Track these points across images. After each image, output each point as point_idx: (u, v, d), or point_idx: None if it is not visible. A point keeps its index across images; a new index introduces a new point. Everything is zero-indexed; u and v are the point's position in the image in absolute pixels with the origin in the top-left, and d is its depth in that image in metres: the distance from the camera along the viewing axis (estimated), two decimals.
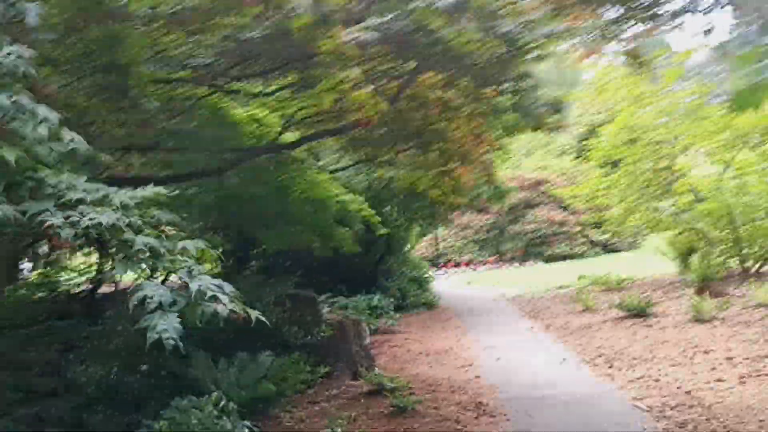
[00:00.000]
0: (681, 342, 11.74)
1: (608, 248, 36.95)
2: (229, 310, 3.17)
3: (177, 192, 11.03)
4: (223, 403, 7.75)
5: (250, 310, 3.25)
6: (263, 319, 3.24)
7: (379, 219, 14.02)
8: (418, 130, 10.46)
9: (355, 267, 18.03)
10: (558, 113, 9.55)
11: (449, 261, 35.28)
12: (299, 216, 10.91)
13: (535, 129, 10.62)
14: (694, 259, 16.68)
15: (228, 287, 3.25)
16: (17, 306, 11.02)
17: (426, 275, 21.43)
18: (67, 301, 12.58)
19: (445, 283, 28.00)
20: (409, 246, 22.64)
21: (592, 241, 37.23)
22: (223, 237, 15.97)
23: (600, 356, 11.56)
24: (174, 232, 3.15)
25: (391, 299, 16.65)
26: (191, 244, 3.19)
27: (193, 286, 3.02)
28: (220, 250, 19.60)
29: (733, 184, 19.14)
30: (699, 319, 13.09)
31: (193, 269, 3.13)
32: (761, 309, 13.53)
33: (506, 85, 8.62)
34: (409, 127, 10.50)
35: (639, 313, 14.54)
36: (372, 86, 9.17)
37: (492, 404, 8.96)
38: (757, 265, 19.18)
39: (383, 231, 14.26)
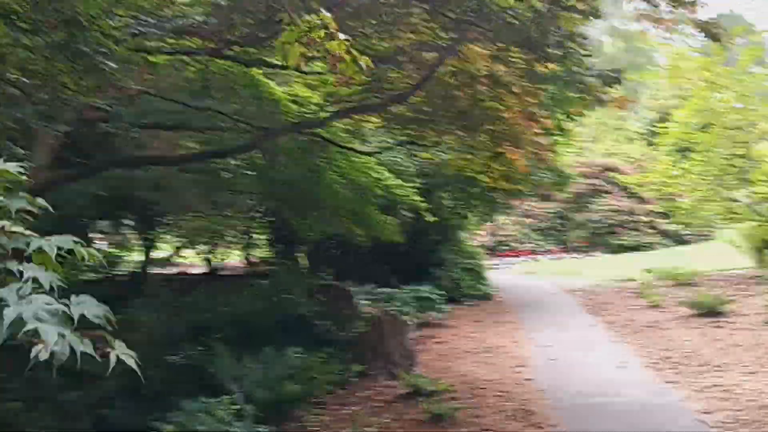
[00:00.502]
0: (756, 346, 10.61)
1: (678, 239, 35.31)
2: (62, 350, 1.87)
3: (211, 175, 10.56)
4: (238, 405, 7.07)
5: (117, 347, 2.11)
6: (132, 362, 2.14)
7: (428, 206, 13.17)
8: (466, 109, 9.57)
9: (406, 256, 17.21)
10: (614, 85, 8.46)
11: (510, 250, 34.13)
12: (335, 201, 10.10)
13: (585, 102, 9.50)
14: None
15: (92, 307, 2.07)
16: None
17: (482, 265, 20.36)
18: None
19: (503, 274, 26.97)
20: (465, 234, 21.65)
21: (661, 232, 35.60)
22: (267, 223, 15.38)
23: (665, 359, 10.52)
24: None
25: (442, 290, 15.76)
26: (38, 243, 1.98)
27: (8, 312, 1.72)
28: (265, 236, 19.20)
29: None
30: None
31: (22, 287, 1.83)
32: None
33: (553, 49, 7.63)
34: (455, 105, 9.63)
35: (710, 311, 13.39)
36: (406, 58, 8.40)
37: (541, 413, 8.06)
38: None
39: (432, 219, 13.40)
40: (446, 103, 9.61)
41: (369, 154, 11.03)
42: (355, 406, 8.44)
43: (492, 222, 31.00)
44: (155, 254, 17.79)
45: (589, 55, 8.64)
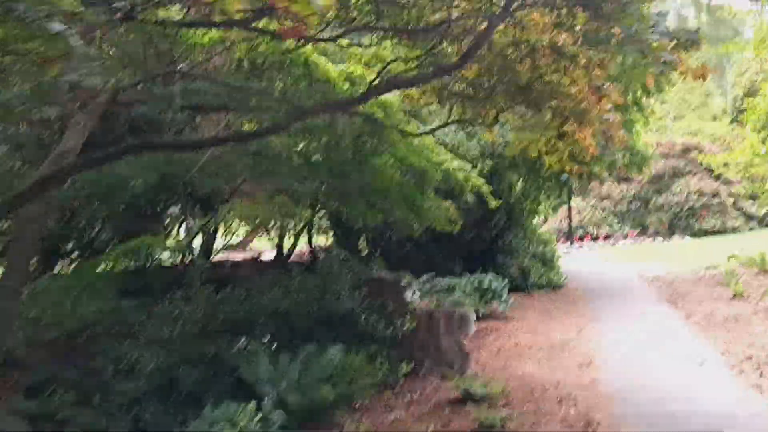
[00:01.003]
0: None
1: (766, 223, 33.42)
2: None
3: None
4: (265, 412, 6.44)
5: None
6: None
7: (491, 189, 12.35)
8: (526, 84, 8.71)
9: (472, 243, 16.38)
10: (689, 48, 7.44)
11: (587, 234, 32.83)
12: (383, 186, 9.38)
13: (660, 72, 8.46)
14: None
15: None
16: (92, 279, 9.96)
17: (553, 252, 19.27)
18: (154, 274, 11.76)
19: (579, 260, 25.85)
20: (536, 219, 20.63)
21: (747, 215, 33.74)
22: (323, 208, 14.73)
23: (749, 359, 9.47)
24: None
25: (506, 280, 14.93)
26: None
27: None
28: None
29: None
30: None
31: None
32: None
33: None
34: (515, 79, 8.78)
35: None
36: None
37: (605, 422, 7.20)
38: None
39: (496, 203, 12.56)
40: (505, 77, 8.78)
41: (421, 135, 10.23)
42: (403, 409, 7.74)
43: (567, 205, 29.82)
44: (224, 241, 17.41)
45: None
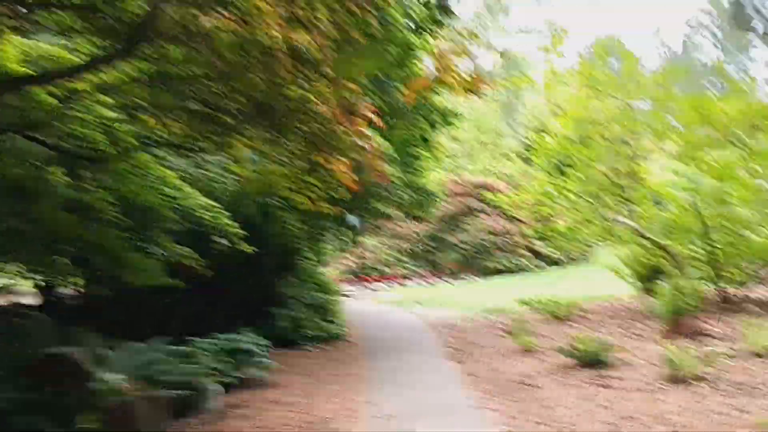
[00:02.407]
0: (655, 419, 8.02)
1: (555, 262, 33.54)
2: None
3: None
4: None
5: None
6: None
7: (241, 232, 10.22)
8: (265, 100, 6.64)
9: (233, 292, 14.03)
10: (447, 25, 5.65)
11: (378, 275, 31.34)
12: (55, 229, 6.90)
13: (422, 80, 6.64)
14: (662, 286, 13.09)
15: None
16: None
17: (334, 299, 17.24)
18: None
19: (365, 304, 24.16)
20: (315, 262, 18.58)
21: (537, 254, 33.72)
22: None
23: None
24: None
25: (275, 335, 12.76)
26: None
27: None
28: None
29: (708, 191, 15.67)
30: (677, 379, 9.43)
31: None
32: (757, 362, 10.02)
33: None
34: (249, 93, 6.68)
35: (594, 362, 10.88)
36: None
37: None
38: (737, 291, 15.82)
39: (249, 248, 10.43)
40: (235, 90, 6.68)
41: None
42: None
43: (357, 245, 28.21)
44: None
45: None
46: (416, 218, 31.24)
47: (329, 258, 35.21)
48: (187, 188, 9.95)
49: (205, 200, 10.01)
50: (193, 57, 6.11)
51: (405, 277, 31.40)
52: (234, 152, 8.39)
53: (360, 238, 28.27)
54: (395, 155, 14.14)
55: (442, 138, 20.97)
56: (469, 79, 5.52)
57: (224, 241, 10.76)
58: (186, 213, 9.63)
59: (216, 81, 6.36)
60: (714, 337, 12.20)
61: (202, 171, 11.39)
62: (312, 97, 6.22)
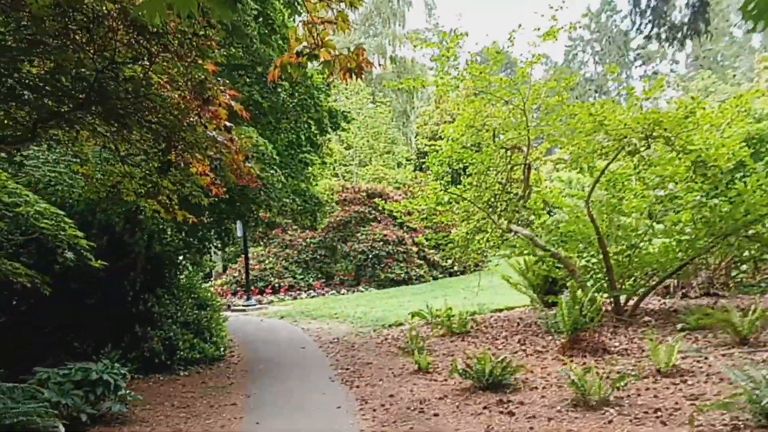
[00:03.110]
0: None
1: (451, 271, 32.95)
2: None
3: None
4: None
5: None
6: None
7: (87, 243, 8.85)
8: (97, 80, 5.38)
9: (93, 313, 12.50)
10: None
11: (268, 286, 29.91)
12: None
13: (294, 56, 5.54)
14: (559, 298, 12.37)
15: None
16: None
17: (214, 315, 15.78)
18: None
19: (252, 318, 22.78)
20: (196, 274, 17.12)
21: (431, 264, 33.06)
22: None
23: None
24: None
25: (134, 362, 11.40)
26: None
27: None
28: None
29: (604, 200, 15.20)
30: (583, 404, 8.62)
31: None
32: (663, 381, 9.36)
33: None
34: (78, 73, 5.40)
35: (494, 384, 10.01)
36: None
37: None
38: (632, 302, 15.36)
39: (98, 263, 9.06)
40: (60, 67, 5.39)
41: None
42: None
43: (245, 255, 26.76)
44: None
45: None
46: (308, 227, 30.11)
47: (216, 271, 33.61)
48: (25, 191, 8.53)
49: (44, 205, 8.58)
50: (5, 23, 4.84)
51: (297, 288, 30.09)
52: (78, 148, 7.06)
53: (249, 249, 26.89)
54: (278, 158, 12.95)
55: (333, 144, 20.04)
56: (350, 56, 4.46)
57: (70, 255, 9.36)
58: (21, 221, 8.23)
59: (36, 56, 5.10)
60: (614, 353, 11.56)
61: (43, 171, 9.87)
62: (156, 78, 5.03)
